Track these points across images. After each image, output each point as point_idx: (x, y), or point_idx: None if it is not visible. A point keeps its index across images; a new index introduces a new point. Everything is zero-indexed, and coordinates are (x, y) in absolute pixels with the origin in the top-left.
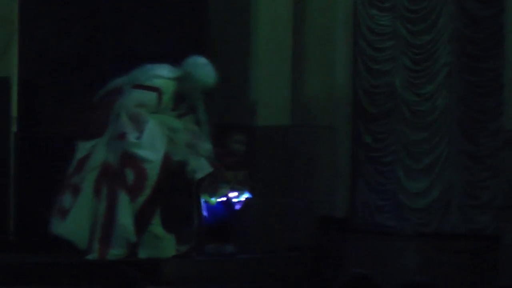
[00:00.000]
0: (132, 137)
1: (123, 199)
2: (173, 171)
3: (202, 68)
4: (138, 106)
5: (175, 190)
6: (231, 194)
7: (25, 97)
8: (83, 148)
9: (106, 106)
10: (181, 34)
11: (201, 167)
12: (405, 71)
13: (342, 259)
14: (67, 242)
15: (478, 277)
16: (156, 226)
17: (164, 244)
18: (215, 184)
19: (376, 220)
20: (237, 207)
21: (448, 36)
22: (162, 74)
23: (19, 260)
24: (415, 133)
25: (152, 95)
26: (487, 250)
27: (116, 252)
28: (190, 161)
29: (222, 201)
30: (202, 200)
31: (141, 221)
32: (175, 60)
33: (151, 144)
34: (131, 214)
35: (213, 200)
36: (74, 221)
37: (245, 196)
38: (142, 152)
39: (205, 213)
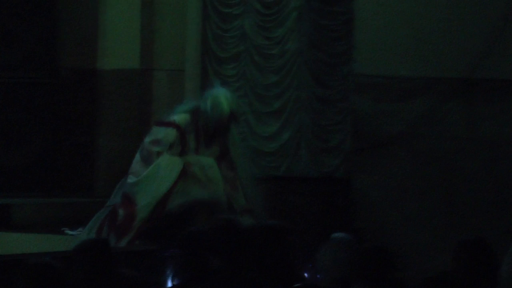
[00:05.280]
0: (132, 177)
1: (112, 240)
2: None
3: (212, 99)
4: (152, 143)
5: None
6: None
7: None
8: None
9: None
10: None
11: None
12: (256, 14)
13: None
14: None
15: (330, 220)
16: None
17: None
18: None
19: None
20: None
21: None
22: (179, 109)
23: None
24: (265, 76)
25: (169, 131)
26: (337, 193)
27: None
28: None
29: None
30: None
31: None
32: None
33: (149, 186)
34: None
35: None
36: None
37: None
38: (135, 194)
39: None
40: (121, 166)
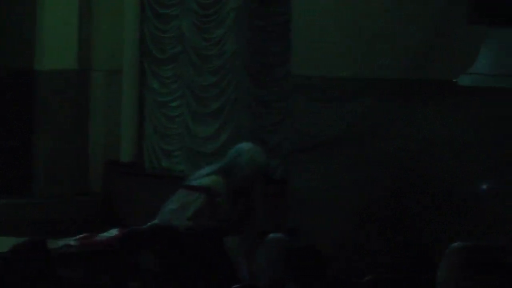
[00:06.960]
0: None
1: None
2: None
3: (245, 153)
4: (179, 209)
5: None
6: None
7: None
8: None
9: None
10: None
11: None
12: (193, 15)
13: (133, 204)
14: None
15: (269, 220)
16: None
17: None
18: None
19: (163, 165)
20: None
21: None
22: (208, 171)
23: None
24: (203, 77)
25: (196, 197)
26: (276, 194)
27: None
28: None
29: None
30: None
31: None
32: None
33: None
34: None
35: None
36: None
37: None
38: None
39: None
40: (59, 167)
